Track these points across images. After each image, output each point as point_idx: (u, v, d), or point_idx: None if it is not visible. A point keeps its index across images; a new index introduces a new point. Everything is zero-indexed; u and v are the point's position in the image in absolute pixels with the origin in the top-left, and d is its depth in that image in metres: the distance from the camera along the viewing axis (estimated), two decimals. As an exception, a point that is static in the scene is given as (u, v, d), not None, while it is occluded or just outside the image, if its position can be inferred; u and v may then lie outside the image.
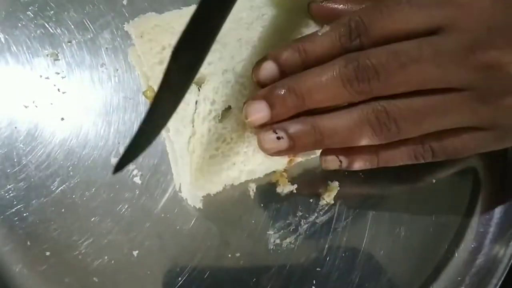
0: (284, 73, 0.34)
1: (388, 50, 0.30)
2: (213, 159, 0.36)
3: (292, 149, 0.33)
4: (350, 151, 0.35)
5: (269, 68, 0.34)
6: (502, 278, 0.39)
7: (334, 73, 0.31)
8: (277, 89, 0.33)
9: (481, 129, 0.32)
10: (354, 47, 0.32)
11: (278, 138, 0.33)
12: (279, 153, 0.34)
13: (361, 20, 0.31)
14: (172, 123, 0.36)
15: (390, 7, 0.31)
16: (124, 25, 0.40)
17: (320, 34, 0.33)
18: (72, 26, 0.41)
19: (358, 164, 0.35)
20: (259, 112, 0.33)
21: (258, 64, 0.35)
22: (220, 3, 0.29)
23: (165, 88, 0.28)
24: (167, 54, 0.36)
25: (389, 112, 0.31)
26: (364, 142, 0.32)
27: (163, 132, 0.39)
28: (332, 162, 0.35)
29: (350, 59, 0.31)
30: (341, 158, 0.35)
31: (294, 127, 0.33)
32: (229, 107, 0.37)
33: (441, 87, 0.30)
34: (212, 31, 0.30)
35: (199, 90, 0.37)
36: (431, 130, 0.32)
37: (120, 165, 0.29)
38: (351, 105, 0.32)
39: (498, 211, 0.41)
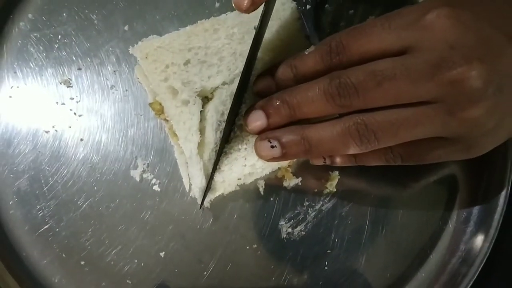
0: (279, 86, 0.39)
1: (366, 69, 0.34)
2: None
3: (285, 157, 0.37)
4: None
5: (266, 81, 0.40)
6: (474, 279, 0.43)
7: (319, 90, 0.35)
8: (273, 101, 0.37)
9: (449, 139, 0.35)
10: (335, 65, 0.36)
11: (272, 146, 0.37)
12: (274, 159, 0.38)
13: (340, 41, 0.35)
14: (181, 132, 0.40)
15: (365, 29, 0.35)
16: (128, 49, 0.43)
17: (307, 53, 0.37)
18: (81, 54, 0.45)
19: (339, 161, 0.40)
20: (258, 120, 0.38)
21: (258, 78, 0.41)
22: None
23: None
24: (170, 72, 0.40)
25: (368, 125, 0.34)
26: (347, 151, 0.36)
27: (171, 140, 0.43)
28: (318, 160, 0.40)
29: (333, 78, 0.35)
30: (325, 156, 0.40)
31: (286, 137, 0.37)
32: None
33: (414, 101, 0.33)
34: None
35: (201, 101, 0.41)
36: (406, 140, 0.35)
37: (203, 202, 0.40)
38: (336, 117, 0.36)
39: (475, 212, 0.45)
